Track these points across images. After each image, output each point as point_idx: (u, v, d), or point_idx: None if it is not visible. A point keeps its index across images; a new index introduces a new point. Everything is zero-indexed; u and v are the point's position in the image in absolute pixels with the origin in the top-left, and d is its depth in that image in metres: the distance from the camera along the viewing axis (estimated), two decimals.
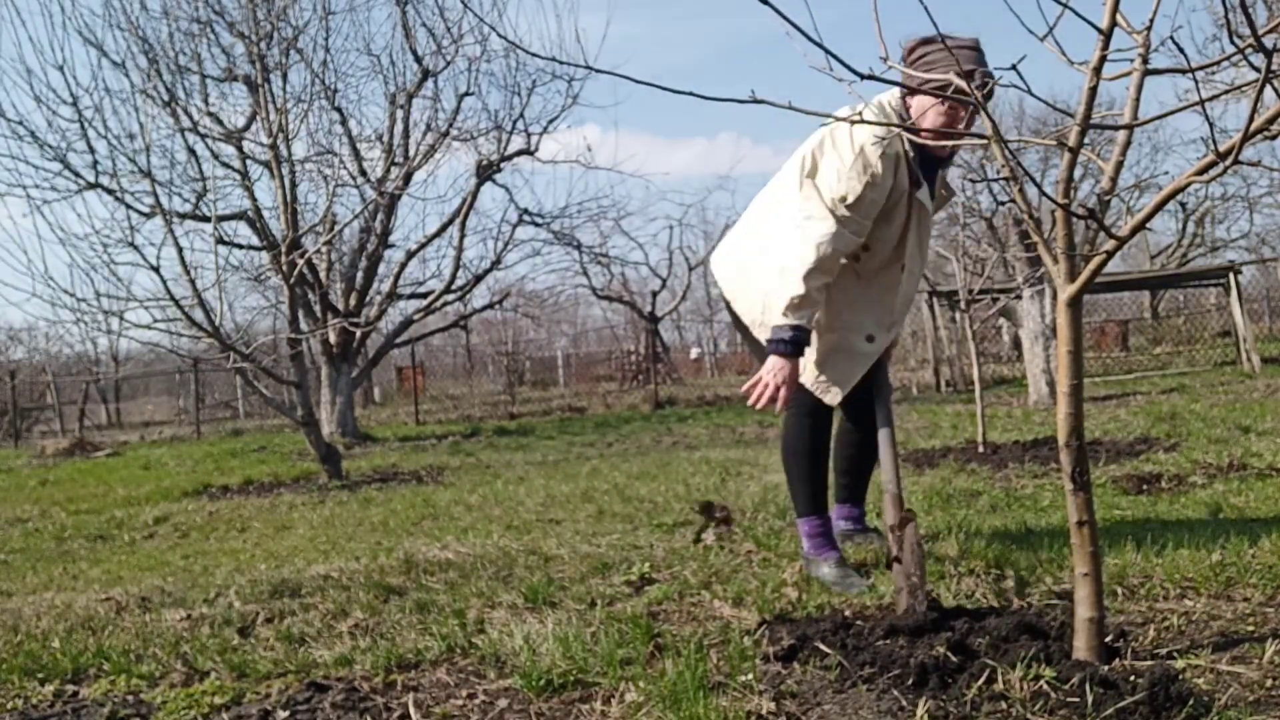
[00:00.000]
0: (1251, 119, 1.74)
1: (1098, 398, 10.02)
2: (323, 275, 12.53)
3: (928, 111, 2.96)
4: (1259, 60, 1.64)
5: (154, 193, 8.14)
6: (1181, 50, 1.83)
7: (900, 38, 3.04)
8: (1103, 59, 1.90)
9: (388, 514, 5.81)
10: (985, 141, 2.00)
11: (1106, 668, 2.06)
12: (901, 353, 19.35)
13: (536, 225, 15.06)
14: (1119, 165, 2.06)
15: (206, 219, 10.15)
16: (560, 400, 19.33)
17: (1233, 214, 27.75)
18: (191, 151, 10.67)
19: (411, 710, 2.25)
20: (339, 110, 13.20)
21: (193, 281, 7.67)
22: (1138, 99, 2.00)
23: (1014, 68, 1.84)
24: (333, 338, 12.67)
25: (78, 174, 9.77)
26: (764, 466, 6.47)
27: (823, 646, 2.36)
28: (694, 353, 31.80)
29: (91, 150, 8.90)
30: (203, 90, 11.61)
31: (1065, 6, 1.85)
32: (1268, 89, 1.65)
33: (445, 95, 14.86)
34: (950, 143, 2.97)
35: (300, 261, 8.59)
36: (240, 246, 13.29)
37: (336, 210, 11.94)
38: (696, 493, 5.40)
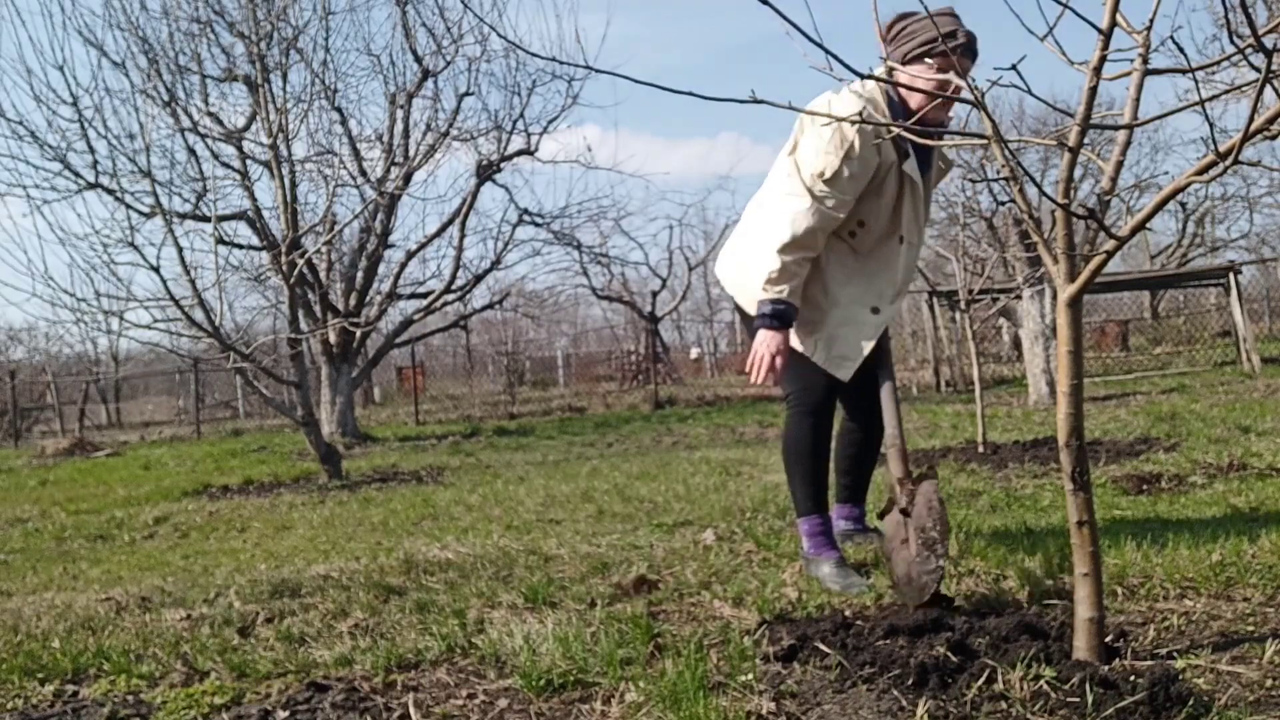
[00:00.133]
0: (1251, 119, 1.74)
1: (1098, 398, 10.02)
2: (323, 275, 12.54)
3: (918, 80, 2.95)
4: (1259, 60, 1.64)
5: (154, 193, 8.15)
6: (1181, 50, 1.83)
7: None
8: (1103, 59, 1.90)
9: (388, 514, 5.81)
10: (985, 141, 2.00)
11: (1106, 668, 2.06)
12: (901, 353, 19.38)
13: (536, 225, 15.08)
14: (1119, 165, 2.06)
15: (206, 219, 10.16)
16: (560, 400, 19.31)
17: (1233, 214, 27.79)
18: (191, 151, 10.72)
19: (411, 710, 2.25)
20: (339, 110, 13.23)
21: (193, 281, 7.68)
22: (1138, 99, 2.00)
23: (1014, 68, 1.83)
24: (333, 338, 12.67)
25: (78, 174, 9.76)
26: (764, 466, 6.47)
27: (823, 646, 2.36)
28: (694, 353, 31.79)
29: (91, 150, 8.91)
30: (203, 90, 11.61)
31: (1065, 6, 1.85)
32: (1268, 89, 1.65)
33: (445, 95, 14.89)
34: (946, 108, 3.00)
35: (300, 261, 8.58)
36: (240, 246, 13.29)
37: (336, 210, 11.97)
38: (696, 492, 5.40)
